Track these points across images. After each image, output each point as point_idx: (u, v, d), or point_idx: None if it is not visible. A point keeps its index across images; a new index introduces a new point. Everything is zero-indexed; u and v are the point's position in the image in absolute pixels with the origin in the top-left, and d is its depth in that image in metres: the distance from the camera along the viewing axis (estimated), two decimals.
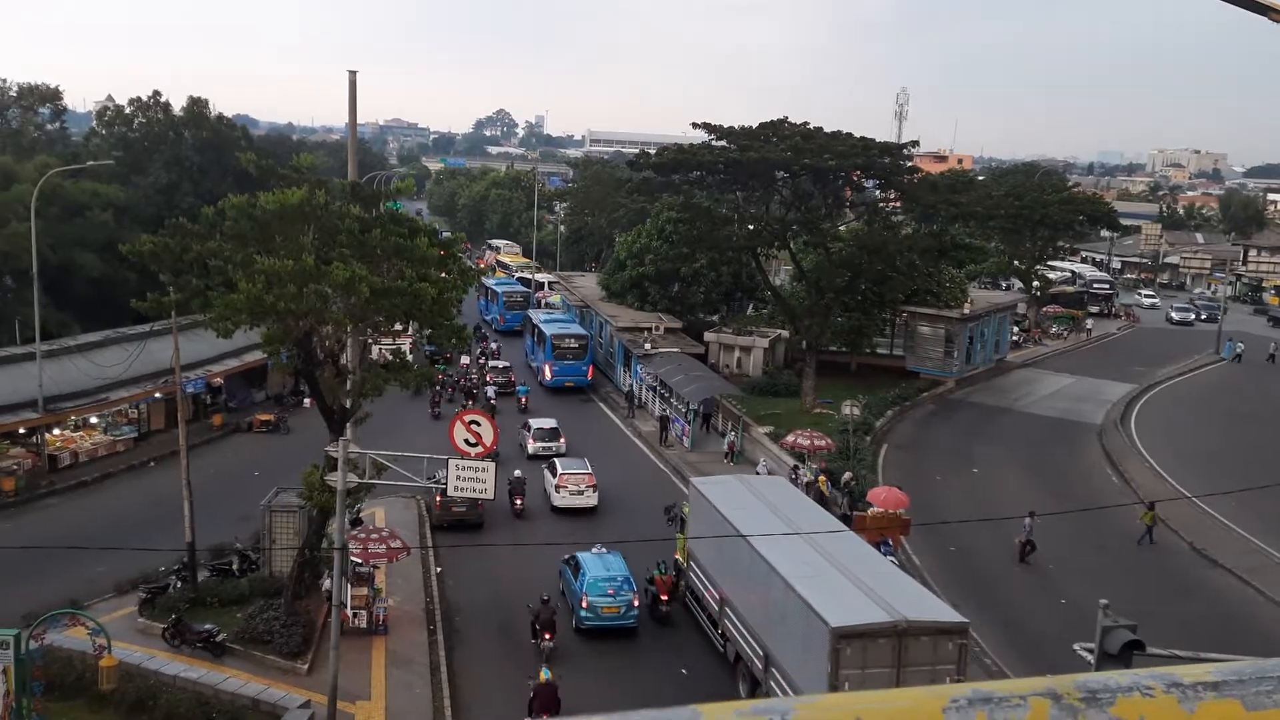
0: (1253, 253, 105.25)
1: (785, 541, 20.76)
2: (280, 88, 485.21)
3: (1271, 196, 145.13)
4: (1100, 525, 30.97)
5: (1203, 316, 76.73)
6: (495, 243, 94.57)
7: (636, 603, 23.81)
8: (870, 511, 28.44)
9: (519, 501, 31.06)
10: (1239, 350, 61.81)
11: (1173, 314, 79.10)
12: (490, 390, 44.02)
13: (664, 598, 23.51)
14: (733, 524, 21.99)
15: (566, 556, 25.74)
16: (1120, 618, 12.49)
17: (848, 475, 33.53)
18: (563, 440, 36.26)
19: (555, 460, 32.92)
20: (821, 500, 29.84)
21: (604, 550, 25.21)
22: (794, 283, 52.87)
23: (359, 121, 25.49)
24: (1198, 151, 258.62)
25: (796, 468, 34.04)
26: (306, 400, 39.17)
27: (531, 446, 35.92)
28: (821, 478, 32.76)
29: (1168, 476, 37.20)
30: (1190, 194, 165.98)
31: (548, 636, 21.89)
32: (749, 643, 21.01)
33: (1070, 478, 37.83)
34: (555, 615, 22.35)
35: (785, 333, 50.33)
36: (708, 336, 50.94)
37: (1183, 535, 31.71)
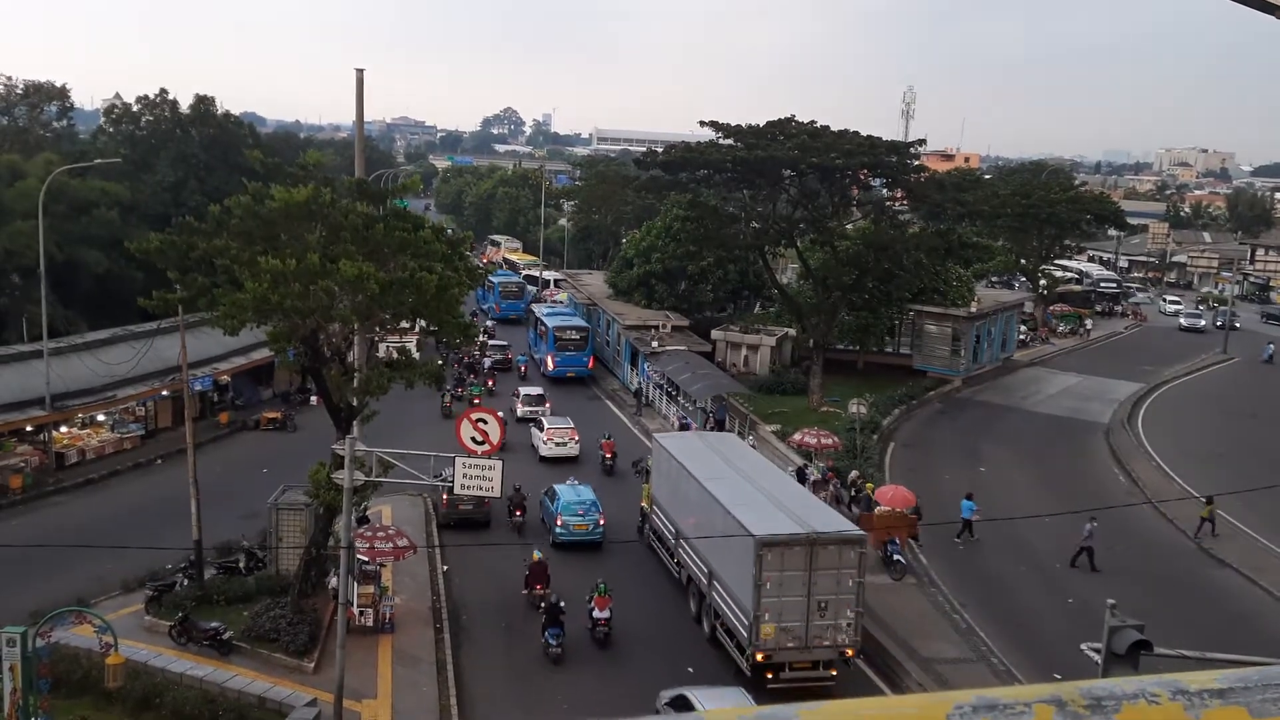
0: (1260, 252, 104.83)
1: (727, 478, 24.85)
2: (288, 86, 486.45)
3: (1279, 195, 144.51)
4: (1107, 524, 30.83)
5: (1217, 323, 70.72)
6: (496, 238, 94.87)
7: (603, 522, 28.72)
8: (877, 510, 28.40)
9: (519, 514, 29.47)
10: (1272, 352, 61.86)
11: (1181, 320, 74.30)
12: (487, 361, 50.24)
13: (602, 618, 23.08)
14: (686, 469, 25.88)
15: (545, 488, 30.40)
16: (1127, 618, 12.46)
17: (854, 473, 33.49)
18: (548, 405, 41.31)
19: (542, 418, 38.38)
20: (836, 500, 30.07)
21: (576, 482, 30.33)
22: (801, 281, 52.81)
23: (366, 119, 25.54)
24: (1205, 150, 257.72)
25: (804, 466, 34.01)
26: (313, 398, 39.27)
27: (520, 410, 40.83)
28: (854, 478, 32.91)
29: (1175, 476, 37.08)
30: (1198, 193, 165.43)
31: (519, 514, 27.99)
32: (697, 564, 24.71)
33: (1077, 477, 37.71)
34: (525, 499, 28.31)
35: (792, 331, 50.29)
36: (715, 335, 50.93)
37: (1189, 534, 31.59)
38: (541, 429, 37.08)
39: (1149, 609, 22.18)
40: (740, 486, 24.36)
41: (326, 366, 22.47)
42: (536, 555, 25.48)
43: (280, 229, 20.37)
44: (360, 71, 23.34)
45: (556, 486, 29.80)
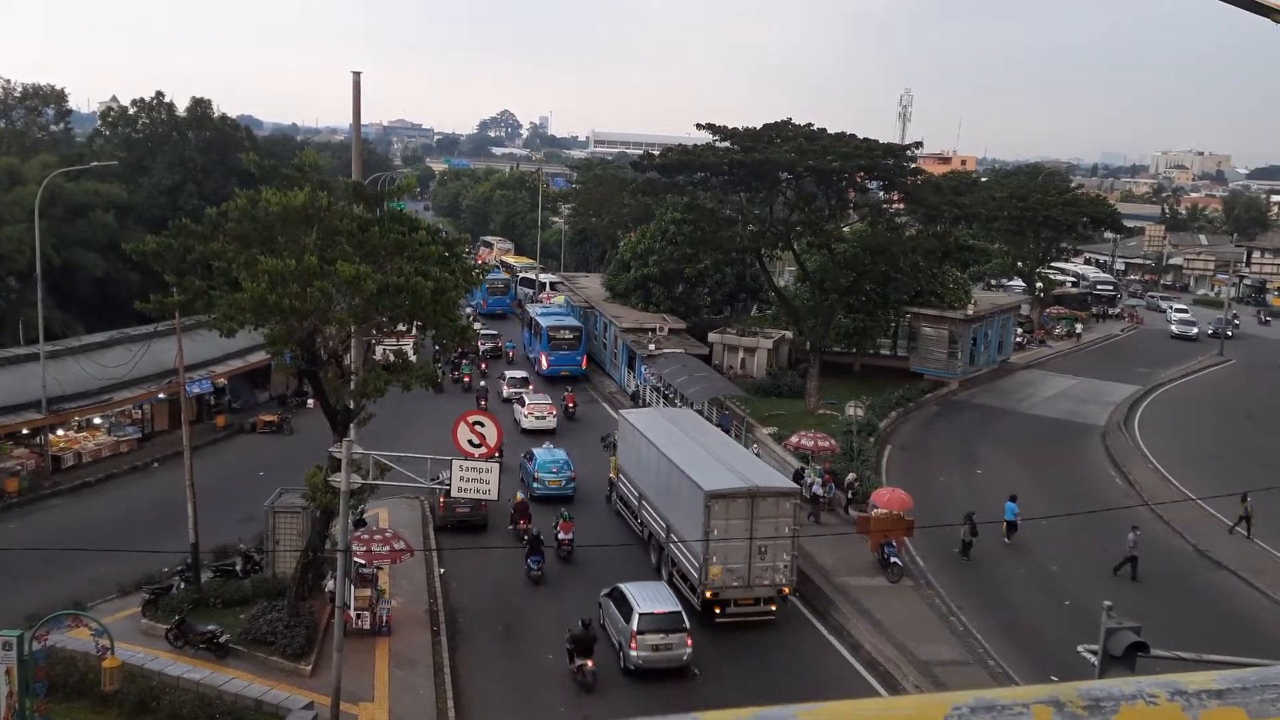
0: (1256, 254, 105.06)
1: (682, 445, 28.22)
2: (285, 88, 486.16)
3: (1275, 198, 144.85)
4: (1104, 527, 30.89)
5: (1210, 331, 69.26)
6: (489, 239, 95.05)
7: (574, 478, 33.17)
8: (874, 512, 28.41)
9: (522, 524, 28.85)
10: None
11: (1173, 327, 71.50)
12: (483, 347, 53.89)
13: (566, 539, 27.64)
14: (648, 438, 29.21)
15: (525, 452, 34.59)
16: (1124, 619, 12.46)
17: (851, 476, 33.52)
18: (531, 387, 45.43)
19: (524, 395, 43.04)
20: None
21: (551, 446, 34.79)
22: (798, 284, 52.88)
23: (363, 122, 25.51)
24: (1201, 153, 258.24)
25: (802, 468, 34.02)
26: (310, 401, 39.22)
27: (506, 392, 45.30)
28: (851, 480, 33.27)
29: (1171, 478, 37.14)
30: (1194, 195, 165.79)
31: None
32: (656, 521, 27.99)
33: (1074, 479, 37.76)
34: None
35: (789, 334, 50.31)
36: (712, 337, 50.94)
37: (1186, 537, 31.64)
38: (524, 404, 41.88)
39: (1146, 611, 22.22)
40: (693, 451, 27.70)
41: (323, 369, 22.44)
42: (519, 496, 30.41)
43: (277, 232, 20.36)
44: (357, 74, 23.33)
45: (534, 450, 34.41)
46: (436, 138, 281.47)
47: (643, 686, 21.90)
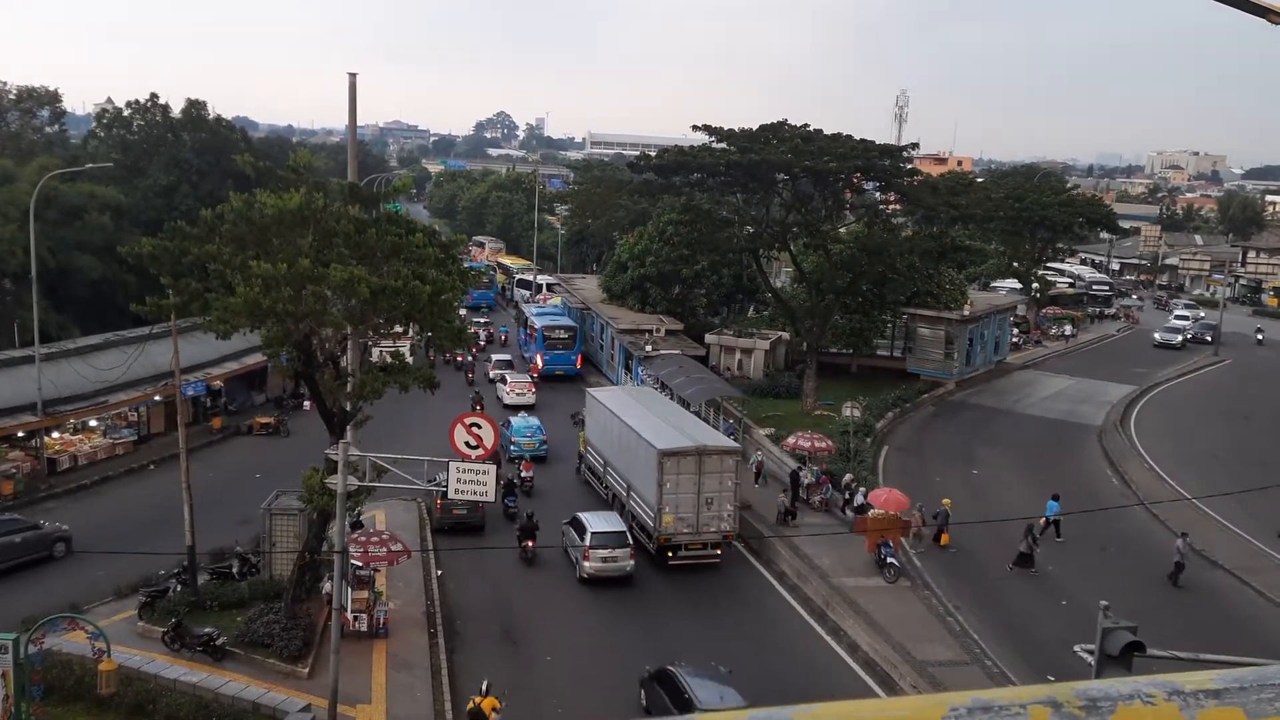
0: (1251, 254, 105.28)
1: (641, 415, 31.80)
2: (280, 90, 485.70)
3: (1270, 198, 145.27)
4: (1101, 526, 30.95)
5: (1191, 336, 66.57)
6: (481, 239, 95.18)
7: (545, 441, 37.73)
8: (871, 513, 28.43)
9: (529, 544, 28.39)
10: (1263, 336, 64.41)
11: (1155, 335, 67.62)
12: (480, 335, 57.43)
13: (528, 477, 30.56)
14: (612, 411, 32.71)
15: (504, 420, 37.89)
16: (1121, 619, 12.47)
17: (848, 476, 33.53)
18: (514, 368, 50.11)
19: (506, 375, 47.71)
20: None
21: (526, 415, 39.75)
22: (794, 284, 52.89)
23: (359, 124, 25.48)
24: (1197, 153, 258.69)
25: (798, 469, 34.03)
26: (306, 403, 39.17)
27: (493, 373, 49.44)
28: (848, 481, 33.27)
29: (1167, 478, 37.19)
30: (1189, 196, 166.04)
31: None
32: (618, 482, 31.64)
33: (1071, 479, 37.76)
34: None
35: (786, 334, 50.31)
36: (709, 338, 50.94)
37: (1186, 539, 31.65)
38: (505, 382, 46.80)
39: (1142, 610, 22.25)
40: (649, 419, 31.39)
41: (320, 371, 22.42)
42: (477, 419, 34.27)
43: (272, 234, 20.33)
44: (353, 76, 23.31)
45: (511, 419, 39.11)
46: (433, 139, 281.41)
47: (594, 590, 26.61)
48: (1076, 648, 13.15)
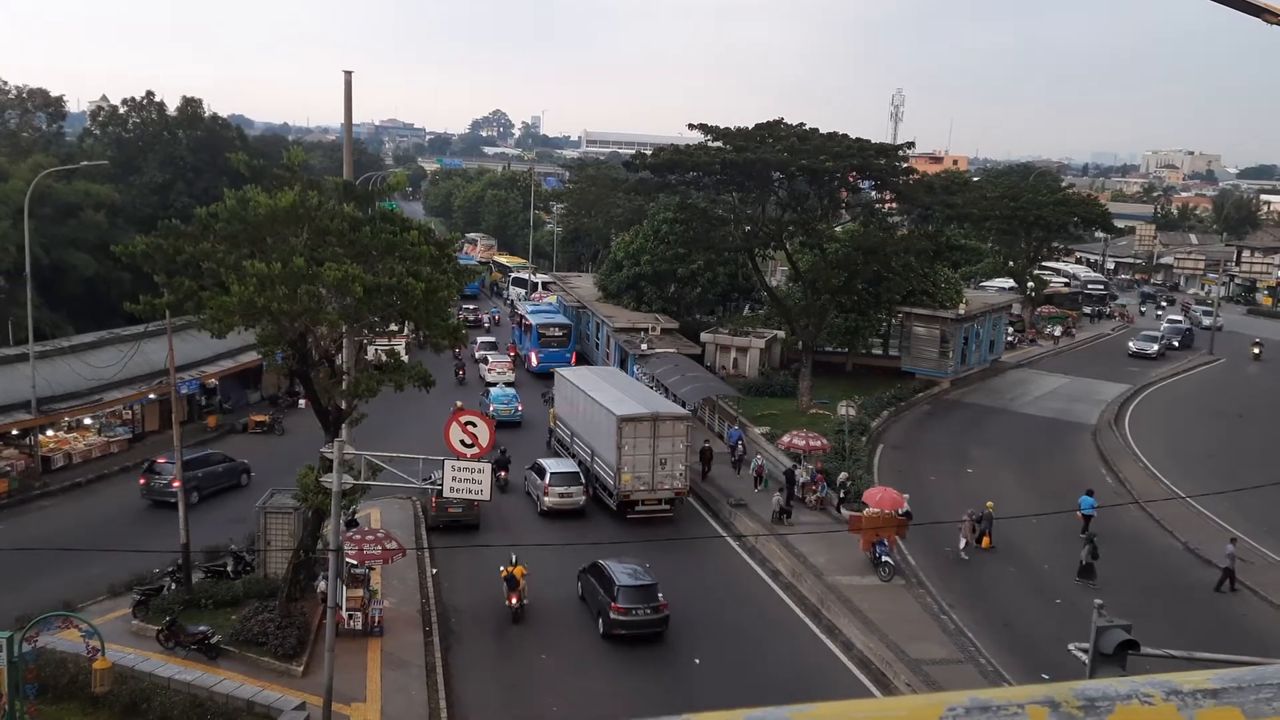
0: (1246, 253, 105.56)
1: (603, 389, 35.00)
2: (276, 88, 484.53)
3: (1265, 198, 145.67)
4: (1095, 525, 31.00)
5: (1173, 344, 63.35)
6: (473, 235, 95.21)
7: (521, 408, 42.91)
8: (866, 512, 28.44)
9: (503, 474, 32.75)
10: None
11: (1130, 344, 63.37)
12: (469, 319, 60.98)
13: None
14: (577, 386, 36.16)
15: (483, 390, 44.76)
16: (1114, 618, 12.49)
17: (843, 475, 33.56)
18: (498, 350, 54.47)
19: (488, 355, 52.19)
20: None
21: (505, 386, 45.35)
22: (790, 283, 52.93)
23: (355, 122, 25.44)
24: (1191, 153, 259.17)
25: (793, 467, 34.06)
26: (301, 401, 39.11)
27: (477, 353, 53.11)
28: (843, 480, 33.43)
29: (1161, 476, 37.28)
30: (1184, 195, 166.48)
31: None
32: (584, 448, 34.90)
33: (1065, 478, 37.83)
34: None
35: (781, 333, 50.33)
36: (704, 337, 50.94)
37: (1176, 535, 31.77)
38: (487, 362, 50.96)
39: (1136, 608, 22.31)
40: (611, 392, 34.69)
41: (315, 369, 22.38)
42: (458, 404, 35.83)
43: (266, 232, 20.29)
44: (349, 74, 23.28)
45: (490, 390, 44.57)
46: (429, 137, 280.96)
47: (553, 521, 31.48)
48: (1071, 646, 13.19)
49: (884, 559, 27.41)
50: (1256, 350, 62.44)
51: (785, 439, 35.53)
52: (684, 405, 40.39)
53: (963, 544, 29.39)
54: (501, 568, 24.85)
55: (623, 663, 23.12)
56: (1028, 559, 29.60)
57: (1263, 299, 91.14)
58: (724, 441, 39.01)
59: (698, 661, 22.90)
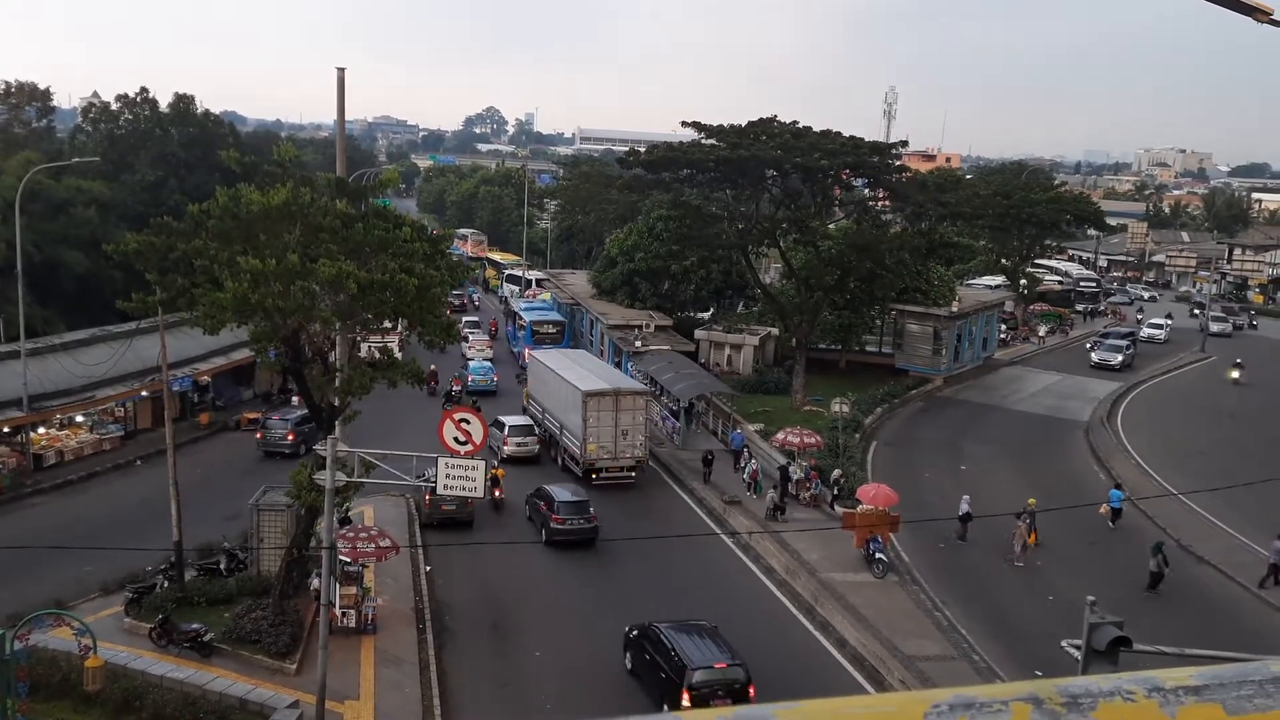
0: (1237, 251, 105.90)
1: (571, 368, 37.89)
2: (269, 84, 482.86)
3: (1256, 196, 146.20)
4: (1088, 522, 31.11)
5: (1131, 353, 58.67)
6: (463, 231, 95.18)
7: (496, 379, 48.93)
8: (859, 508, 28.51)
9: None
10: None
11: (1093, 354, 59.16)
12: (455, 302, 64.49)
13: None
14: (549, 366, 39.16)
15: (462, 364, 50.30)
16: (1107, 614, 12.56)
17: (837, 472, 33.62)
18: (480, 329, 59.75)
19: (470, 334, 55.37)
20: None
21: (483, 360, 50.96)
22: (784, 280, 52.96)
23: (348, 118, 25.38)
24: (1183, 151, 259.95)
25: (787, 464, 34.11)
26: (295, 398, 39.04)
27: (464, 332, 53.75)
28: (837, 477, 33.32)
29: (1153, 473, 37.42)
30: (1176, 193, 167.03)
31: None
32: (553, 423, 37.94)
33: (1058, 474, 38.00)
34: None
35: (775, 330, 50.37)
36: (698, 334, 50.97)
37: (1169, 532, 31.87)
38: (468, 341, 53.50)
39: (1129, 605, 22.41)
40: (579, 370, 37.64)
41: (308, 367, 22.34)
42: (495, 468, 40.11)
43: (258, 229, 20.24)
44: (341, 70, 23.21)
45: (469, 362, 50.19)
46: (422, 134, 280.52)
47: (512, 466, 35.56)
48: (1064, 643, 13.25)
49: (877, 555, 27.48)
50: (1235, 374, 54.85)
51: (779, 436, 35.58)
52: (678, 402, 40.63)
53: (1019, 548, 29.05)
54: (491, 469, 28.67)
55: (561, 564, 28.20)
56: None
57: (1254, 296, 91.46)
58: (727, 445, 38.70)
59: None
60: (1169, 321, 71.41)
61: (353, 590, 23.55)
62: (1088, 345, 62.08)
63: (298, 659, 21.74)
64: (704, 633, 21.07)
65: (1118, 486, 33.06)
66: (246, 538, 26.40)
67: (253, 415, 41.68)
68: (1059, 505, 30.85)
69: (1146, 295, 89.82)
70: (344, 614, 23.17)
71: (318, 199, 20.60)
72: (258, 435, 38.12)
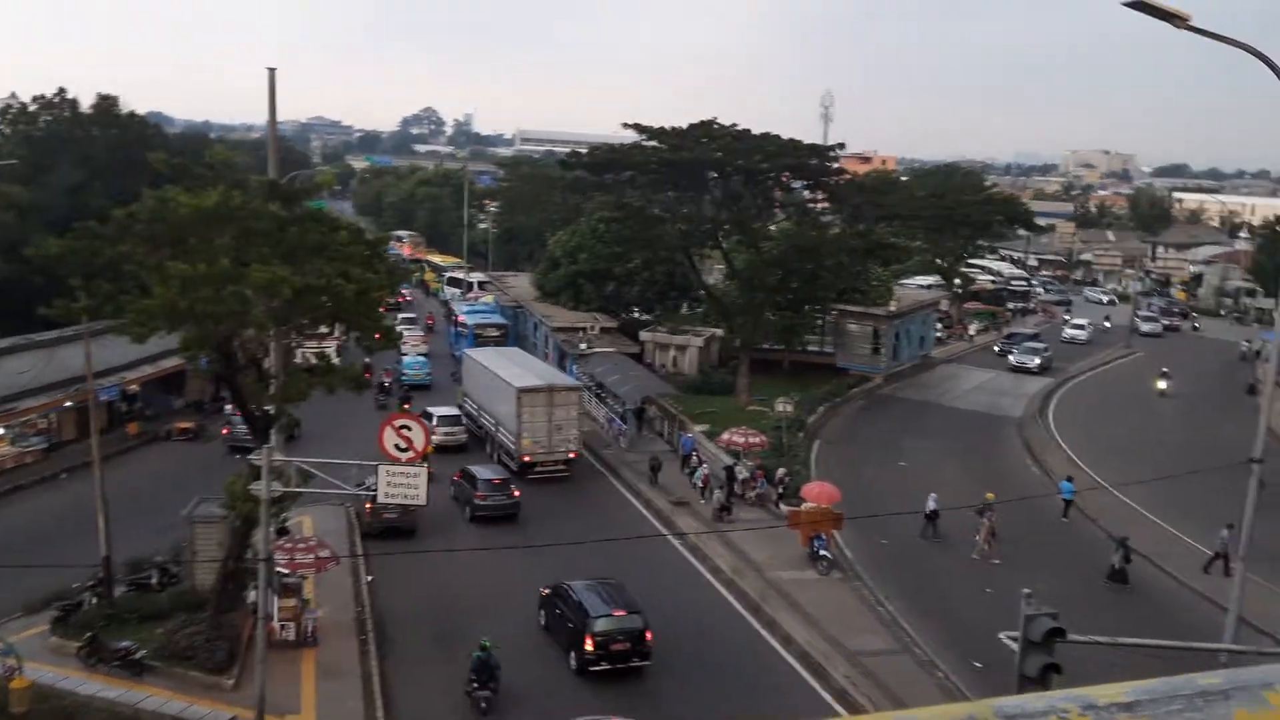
0: (1161, 249, 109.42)
1: (506, 365, 38.88)
2: (197, 84, 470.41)
3: (1177, 195, 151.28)
4: (1023, 515, 31.80)
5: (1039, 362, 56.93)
6: (399, 234, 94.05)
7: (431, 373, 50.39)
8: (804, 507, 28.78)
9: (407, 405, 38.33)
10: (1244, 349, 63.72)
11: (1011, 356, 58.36)
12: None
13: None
14: (483, 364, 40.01)
15: (396, 358, 50.27)
16: (1043, 606, 12.84)
17: (781, 471, 33.91)
18: (416, 324, 61.87)
19: (405, 330, 53.93)
20: None
21: (418, 354, 52.28)
22: (727, 282, 53.32)
23: (280, 119, 24.84)
24: (1108, 152, 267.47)
25: (733, 464, 34.30)
26: (228, 406, 38.16)
27: (399, 328, 56.22)
28: (782, 476, 33.33)
29: (1084, 467, 38.39)
30: (1101, 193, 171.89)
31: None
32: (488, 419, 38.72)
33: (993, 469, 38.84)
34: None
35: (719, 331, 50.66)
36: (643, 336, 51.03)
37: (1099, 524, 32.80)
38: (403, 339, 52.01)
39: (1063, 596, 22.94)
40: (513, 368, 38.40)
41: (241, 374, 21.82)
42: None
43: (189, 233, 19.71)
44: (272, 71, 22.70)
45: (404, 358, 50.97)
46: (357, 135, 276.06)
47: (441, 454, 35.59)
48: (1002, 635, 13.50)
49: (822, 553, 27.79)
50: (1162, 385, 52.62)
51: (725, 436, 35.77)
52: (624, 404, 40.63)
53: (983, 543, 29.63)
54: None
55: (506, 570, 27.78)
56: (959, 550, 30.24)
57: (1177, 293, 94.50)
58: (676, 449, 38.52)
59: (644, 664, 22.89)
60: (1090, 322, 73.03)
61: (292, 602, 23.08)
62: (996, 349, 61.73)
63: (235, 674, 21.23)
64: (607, 587, 23.33)
65: (1069, 479, 34.29)
66: (179, 551, 25.71)
67: (185, 425, 40.66)
68: (1002, 499, 31.50)
69: (1105, 299, 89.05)
70: (283, 627, 22.70)
71: (250, 202, 20.12)
72: (224, 431, 38.09)
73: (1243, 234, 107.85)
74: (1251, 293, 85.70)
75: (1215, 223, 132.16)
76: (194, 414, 42.53)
